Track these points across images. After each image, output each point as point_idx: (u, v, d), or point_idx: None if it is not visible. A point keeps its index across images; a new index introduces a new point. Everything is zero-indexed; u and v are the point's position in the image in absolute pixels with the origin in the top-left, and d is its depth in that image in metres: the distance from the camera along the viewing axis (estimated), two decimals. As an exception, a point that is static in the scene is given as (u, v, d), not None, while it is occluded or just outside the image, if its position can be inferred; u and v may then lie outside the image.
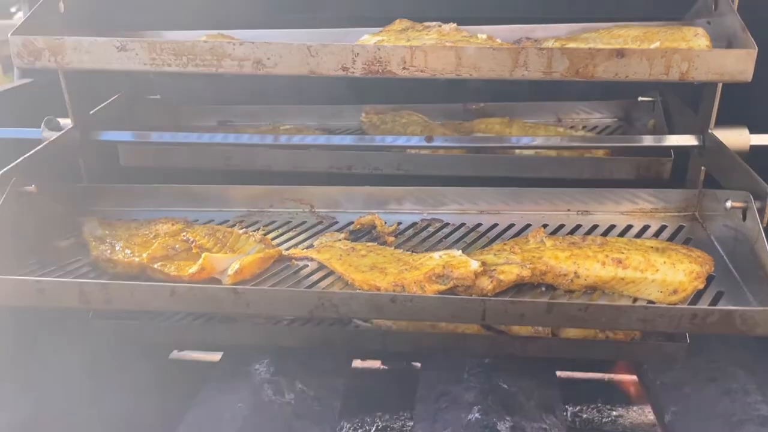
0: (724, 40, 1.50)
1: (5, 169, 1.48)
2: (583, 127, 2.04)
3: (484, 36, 1.62)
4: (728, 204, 1.39)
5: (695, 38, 1.49)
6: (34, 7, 1.57)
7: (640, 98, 1.98)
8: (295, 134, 2.00)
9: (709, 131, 1.61)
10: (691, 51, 1.36)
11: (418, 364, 2.14)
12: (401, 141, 1.78)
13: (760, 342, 1.77)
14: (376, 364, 2.36)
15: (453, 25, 1.65)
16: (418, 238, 1.60)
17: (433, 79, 1.42)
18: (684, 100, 1.81)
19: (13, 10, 4.97)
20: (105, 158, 1.86)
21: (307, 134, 2.00)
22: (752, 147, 1.61)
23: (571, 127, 2.03)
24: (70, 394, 1.69)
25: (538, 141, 1.76)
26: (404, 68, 1.39)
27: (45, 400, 1.61)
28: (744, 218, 1.37)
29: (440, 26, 1.67)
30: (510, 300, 1.28)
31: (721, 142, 1.56)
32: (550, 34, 1.71)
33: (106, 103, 1.88)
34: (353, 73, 1.40)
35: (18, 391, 1.61)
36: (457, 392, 1.65)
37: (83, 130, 1.75)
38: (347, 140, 1.81)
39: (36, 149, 1.59)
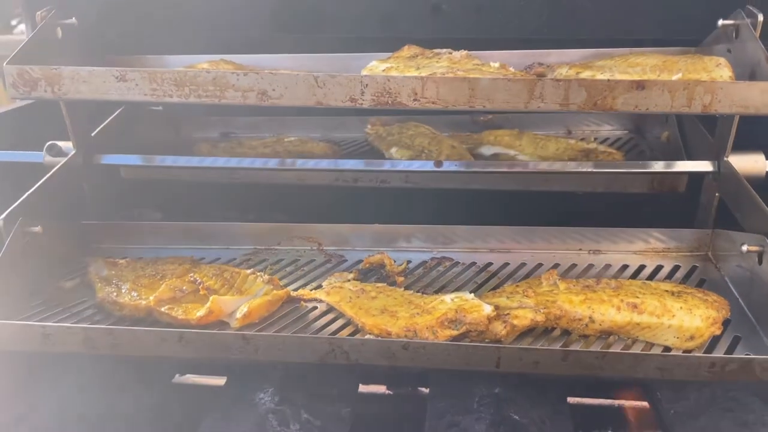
0: (745, 68, 1.46)
1: (10, 209, 1.47)
2: (594, 139, 2.03)
3: (497, 64, 1.57)
4: (744, 248, 1.38)
5: (717, 69, 1.43)
6: (30, 35, 1.56)
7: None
8: (299, 146, 2.02)
9: (725, 159, 1.60)
10: (715, 83, 1.31)
11: (426, 389, 2.10)
12: (408, 165, 1.76)
13: None
14: (381, 388, 2.32)
15: (464, 53, 1.61)
16: (428, 277, 1.58)
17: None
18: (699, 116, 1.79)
19: (14, 23, 4.98)
20: (107, 172, 1.87)
21: (311, 155, 1.97)
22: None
23: (582, 139, 2.00)
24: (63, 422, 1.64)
25: (546, 165, 1.75)
26: (415, 100, 1.35)
27: (37, 428, 1.57)
28: (760, 262, 1.36)
29: (451, 53, 1.62)
30: (525, 348, 1.25)
31: (738, 174, 1.54)
32: (563, 59, 1.69)
33: (107, 121, 1.88)
34: (362, 104, 1.37)
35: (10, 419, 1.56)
36: (467, 423, 1.61)
37: (86, 155, 1.76)
38: (350, 164, 1.77)
39: (40, 183, 1.58)
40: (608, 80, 1.32)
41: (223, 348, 1.28)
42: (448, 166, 1.73)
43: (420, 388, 2.27)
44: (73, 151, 1.74)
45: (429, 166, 1.73)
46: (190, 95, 1.39)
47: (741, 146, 1.61)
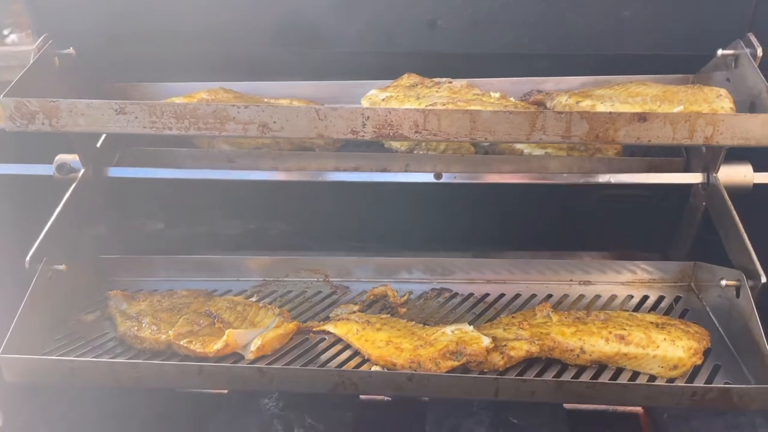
0: (745, 98, 1.47)
1: (34, 247, 1.55)
2: None
3: (497, 95, 1.59)
4: (723, 282, 1.48)
5: (718, 100, 1.45)
6: (28, 65, 1.55)
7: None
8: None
9: (714, 174, 1.64)
10: (716, 116, 1.33)
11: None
12: (406, 177, 1.78)
13: None
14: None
15: (464, 82, 1.64)
16: (429, 308, 1.68)
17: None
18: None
19: (5, 32, 5.01)
20: (115, 183, 1.85)
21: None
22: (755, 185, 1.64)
23: None
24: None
25: (544, 173, 1.76)
26: (416, 132, 1.36)
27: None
28: (737, 295, 1.46)
29: (451, 82, 1.65)
30: (521, 379, 1.36)
31: (724, 195, 1.58)
32: (561, 86, 1.74)
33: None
34: (363, 136, 1.38)
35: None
36: (468, 426, 1.69)
37: (95, 169, 1.78)
38: (342, 176, 1.79)
39: (57, 214, 1.63)
40: (610, 113, 1.33)
41: (241, 380, 1.37)
42: (447, 178, 1.77)
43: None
44: (83, 169, 1.75)
45: (429, 177, 1.77)
46: (190, 128, 1.40)
47: (730, 156, 1.65)
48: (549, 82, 1.74)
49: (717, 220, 1.63)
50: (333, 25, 1.95)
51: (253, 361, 1.46)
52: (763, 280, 1.39)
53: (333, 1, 1.93)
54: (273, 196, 2.01)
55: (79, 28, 1.81)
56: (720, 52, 1.56)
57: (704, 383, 1.38)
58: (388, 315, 1.63)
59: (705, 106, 1.43)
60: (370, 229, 2.08)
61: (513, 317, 1.57)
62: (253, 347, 1.47)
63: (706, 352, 1.45)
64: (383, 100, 1.58)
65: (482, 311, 1.66)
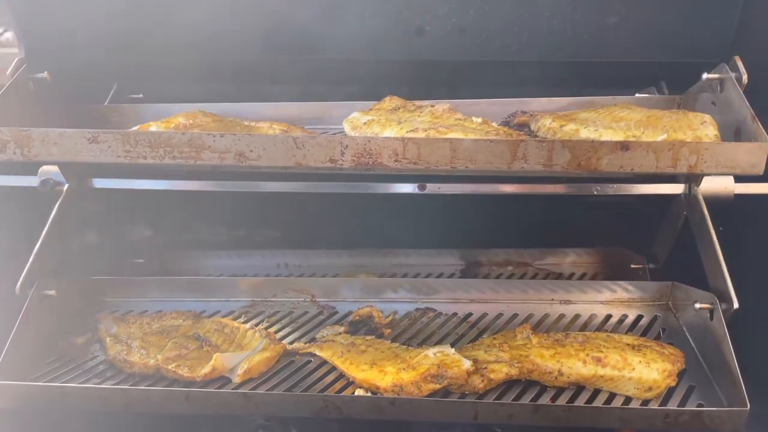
0: (731, 123, 1.47)
1: (24, 273, 1.58)
2: None
3: (479, 120, 1.57)
4: (697, 306, 1.52)
5: (702, 127, 1.44)
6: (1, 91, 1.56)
7: (637, 95, 1.87)
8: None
9: (696, 187, 1.64)
10: (700, 144, 1.33)
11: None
12: (389, 188, 1.84)
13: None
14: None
15: (446, 106, 1.63)
16: (413, 329, 1.72)
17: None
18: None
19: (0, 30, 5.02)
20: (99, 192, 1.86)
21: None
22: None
23: None
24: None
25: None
26: (396, 161, 1.37)
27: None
28: (711, 318, 1.50)
29: (433, 106, 1.64)
30: (499, 403, 1.40)
31: (704, 211, 1.59)
32: (546, 107, 1.74)
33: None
34: (342, 165, 1.39)
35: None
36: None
37: (79, 180, 1.77)
38: (325, 187, 1.84)
39: (44, 235, 1.64)
40: (592, 141, 1.34)
41: (226, 405, 1.41)
42: (431, 189, 1.83)
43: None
44: (66, 185, 1.72)
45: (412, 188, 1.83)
46: (165, 156, 1.40)
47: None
48: (533, 103, 1.74)
49: (696, 235, 1.65)
50: (321, 33, 1.97)
51: (240, 385, 1.50)
52: (735, 306, 1.42)
53: (321, 9, 1.95)
54: (261, 203, 2.04)
55: (68, 38, 1.81)
56: (705, 76, 1.56)
57: (678, 405, 1.42)
58: (373, 337, 1.67)
59: (689, 133, 1.43)
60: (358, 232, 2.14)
61: (494, 338, 1.60)
62: (239, 371, 1.50)
63: (681, 373, 1.49)
64: (365, 123, 1.58)
65: (465, 331, 1.70)
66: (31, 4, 1.80)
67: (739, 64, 1.50)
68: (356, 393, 1.46)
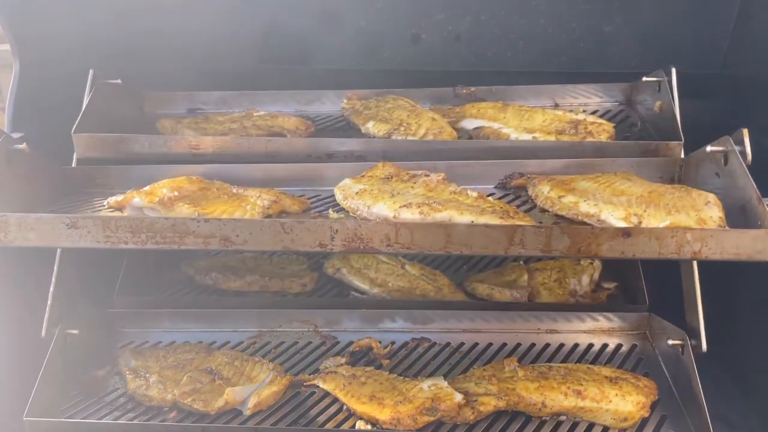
0: (735, 200, 1.41)
1: (47, 317, 1.70)
2: (583, 111, 1.98)
3: (475, 195, 1.54)
4: (669, 341, 1.65)
5: (706, 207, 1.40)
6: None
7: (644, 78, 1.88)
8: (269, 120, 1.98)
9: None
10: (705, 231, 1.28)
11: None
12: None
13: (744, 398, 1.87)
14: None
15: (440, 177, 1.62)
16: (409, 360, 1.85)
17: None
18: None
19: None
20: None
21: (280, 131, 1.94)
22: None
23: (570, 111, 1.95)
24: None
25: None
26: (388, 245, 1.33)
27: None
28: (682, 353, 1.64)
29: (427, 176, 1.63)
30: (487, 435, 1.53)
31: None
32: (543, 169, 1.71)
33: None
34: (332, 249, 1.36)
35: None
36: None
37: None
38: None
39: (56, 273, 1.71)
40: (592, 228, 1.32)
41: (239, 439, 1.55)
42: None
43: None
44: None
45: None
46: (147, 242, 1.37)
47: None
48: (530, 165, 1.72)
49: (682, 268, 1.66)
50: (317, 42, 2.05)
51: (250, 417, 1.63)
52: (704, 348, 1.56)
53: (317, 18, 2.04)
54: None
55: (63, 43, 1.90)
56: (709, 148, 1.50)
57: (649, 435, 1.56)
58: (372, 368, 1.80)
59: (692, 214, 1.38)
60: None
61: (484, 370, 1.74)
62: (250, 404, 1.63)
63: (655, 403, 1.62)
64: (357, 193, 1.57)
65: (457, 361, 1.83)
66: (24, 11, 1.87)
67: (745, 137, 1.43)
68: (357, 425, 1.59)
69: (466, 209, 1.45)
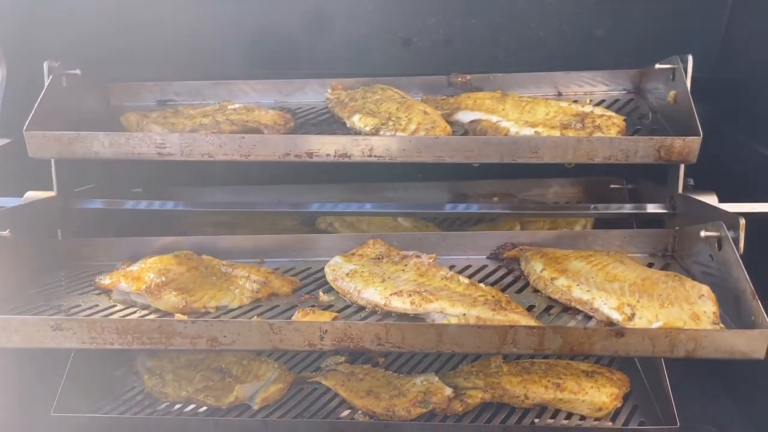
0: (729, 289, 1.41)
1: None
2: (589, 101, 1.88)
3: (467, 281, 1.57)
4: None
5: (700, 301, 1.40)
6: None
7: (657, 65, 1.78)
8: (244, 114, 1.84)
9: (678, 192, 1.72)
10: (698, 332, 1.28)
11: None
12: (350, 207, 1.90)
13: (732, 398, 1.96)
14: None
15: (431, 259, 1.67)
16: (403, 358, 1.98)
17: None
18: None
19: None
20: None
21: (256, 125, 1.79)
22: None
23: (575, 101, 1.82)
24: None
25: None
26: (379, 345, 1.34)
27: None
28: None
29: (419, 257, 1.67)
30: (474, 425, 1.69)
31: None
32: (535, 240, 1.77)
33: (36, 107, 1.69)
34: (322, 348, 1.36)
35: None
36: None
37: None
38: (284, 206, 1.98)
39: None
40: (585, 329, 1.33)
41: (248, 431, 1.69)
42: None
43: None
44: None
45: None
46: (133, 342, 1.36)
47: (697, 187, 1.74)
48: (522, 236, 1.77)
49: None
50: (307, 45, 2.00)
51: (258, 411, 1.78)
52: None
53: (306, 21, 2.00)
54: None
55: (49, 46, 1.91)
56: (703, 233, 1.51)
57: (622, 424, 1.71)
58: (369, 365, 1.95)
59: (686, 308, 1.39)
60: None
61: (472, 366, 1.88)
62: (258, 400, 1.78)
63: (627, 395, 1.78)
64: (347, 275, 1.61)
65: (447, 359, 1.97)
66: (11, 19, 1.92)
67: (741, 228, 1.42)
68: (356, 417, 1.74)
69: (457, 300, 1.46)
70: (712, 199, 1.69)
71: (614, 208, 1.87)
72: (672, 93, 1.73)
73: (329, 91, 1.94)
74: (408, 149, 1.55)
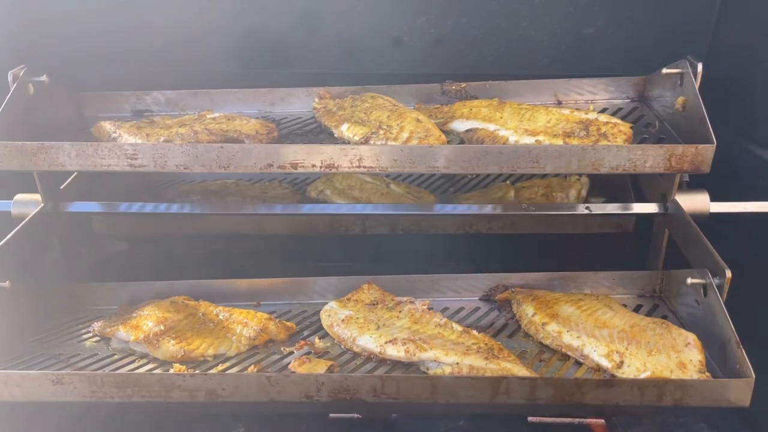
0: (714, 336, 1.44)
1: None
2: (592, 109, 1.83)
3: (460, 329, 1.57)
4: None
5: (686, 349, 1.43)
6: None
7: (664, 70, 1.72)
8: (224, 124, 1.77)
9: (672, 198, 1.70)
10: (686, 381, 1.32)
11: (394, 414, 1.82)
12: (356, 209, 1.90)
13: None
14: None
15: (425, 305, 1.67)
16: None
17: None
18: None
19: None
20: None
21: (237, 135, 1.72)
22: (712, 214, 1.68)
23: (576, 110, 1.75)
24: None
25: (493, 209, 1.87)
26: (375, 396, 1.35)
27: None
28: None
29: (413, 303, 1.67)
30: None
31: (684, 213, 1.63)
32: (526, 281, 1.77)
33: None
34: (319, 400, 1.37)
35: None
36: None
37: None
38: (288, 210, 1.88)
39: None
40: (575, 379, 1.39)
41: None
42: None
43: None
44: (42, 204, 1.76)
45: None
46: (133, 395, 1.38)
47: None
48: (513, 278, 1.78)
49: (682, 242, 1.67)
50: (297, 45, 1.95)
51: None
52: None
53: (296, 21, 1.94)
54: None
55: (36, 50, 1.87)
56: (689, 280, 1.53)
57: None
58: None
59: (673, 356, 1.43)
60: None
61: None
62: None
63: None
64: (343, 321, 1.62)
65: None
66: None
67: (726, 270, 1.43)
68: None
69: (451, 348, 1.49)
70: (703, 198, 1.69)
71: (609, 209, 1.85)
72: (680, 99, 1.67)
73: (316, 100, 1.88)
74: (400, 159, 1.51)
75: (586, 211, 1.84)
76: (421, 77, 1.89)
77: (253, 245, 2.16)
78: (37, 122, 1.72)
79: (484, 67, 1.91)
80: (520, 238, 2.03)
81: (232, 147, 1.53)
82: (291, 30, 1.93)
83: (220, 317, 1.70)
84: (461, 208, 1.91)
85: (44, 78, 1.73)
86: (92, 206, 1.87)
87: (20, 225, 1.70)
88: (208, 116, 1.82)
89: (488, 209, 1.89)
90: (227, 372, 1.53)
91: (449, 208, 1.90)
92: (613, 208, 1.84)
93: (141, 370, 1.54)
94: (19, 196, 1.80)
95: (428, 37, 1.91)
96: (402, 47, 1.93)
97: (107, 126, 1.77)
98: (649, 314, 1.70)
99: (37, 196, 1.79)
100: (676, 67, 1.69)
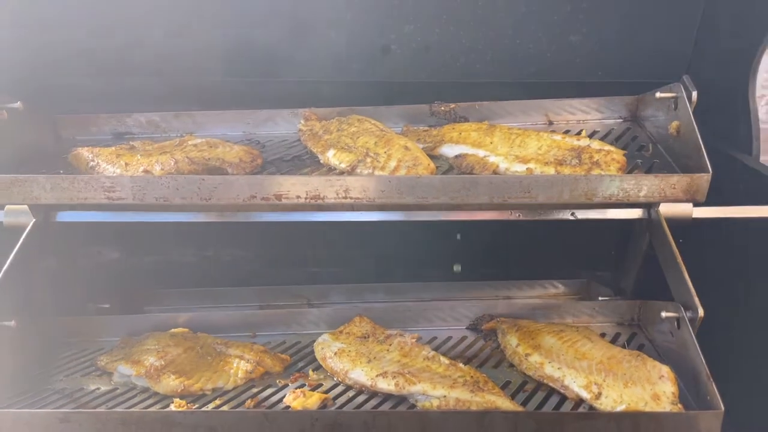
0: (687, 364, 1.50)
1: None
2: (585, 133, 1.77)
3: (447, 362, 1.63)
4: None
5: (660, 382, 1.49)
6: None
7: (659, 95, 1.71)
8: (206, 151, 1.71)
9: (656, 209, 1.63)
10: (660, 415, 1.41)
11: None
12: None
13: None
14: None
15: (414, 339, 1.74)
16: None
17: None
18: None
19: None
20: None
21: (220, 164, 1.68)
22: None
23: (568, 134, 1.74)
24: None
25: None
26: (367, 430, 1.43)
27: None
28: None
29: (402, 336, 1.74)
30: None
31: (665, 231, 1.60)
32: (512, 310, 1.85)
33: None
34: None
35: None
36: None
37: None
38: (278, 217, 1.80)
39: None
40: (558, 413, 1.48)
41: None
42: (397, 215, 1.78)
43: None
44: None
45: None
46: None
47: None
48: (499, 306, 1.87)
49: (660, 256, 1.67)
50: (286, 53, 1.96)
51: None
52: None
53: (285, 30, 1.95)
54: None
55: (25, 62, 1.87)
56: (663, 314, 1.57)
57: None
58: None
59: (648, 388, 1.48)
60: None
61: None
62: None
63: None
64: (335, 354, 1.69)
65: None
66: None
67: (697, 303, 1.47)
68: None
69: (438, 382, 1.56)
70: (686, 204, 1.62)
71: (593, 213, 1.79)
72: (674, 124, 1.66)
73: (302, 122, 1.87)
74: (388, 190, 1.51)
75: (572, 218, 1.81)
76: (409, 85, 1.93)
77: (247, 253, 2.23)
78: (14, 147, 1.72)
79: (471, 75, 1.94)
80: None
81: (214, 179, 1.54)
82: (280, 39, 1.94)
83: (218, 350, 1.77)
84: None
85: (18, 105, 1.72)
86: (84, 215, 1.78)
87: (16, 248, 1.66)
88: (189, 142, 1.77)
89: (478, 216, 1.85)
90: (225, 407, 1.60)
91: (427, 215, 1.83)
92: (597, 214, 1.79)
93: (142, 406, 1.61)
94: (9, 207, 1.70)
95: (416, 45, 1.94)
96: (390, 55, 1.95)
97: (85, 153, 1.73)
98: (627, 342, 1.79)
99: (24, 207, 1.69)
100: (671, 91, 1.68)
